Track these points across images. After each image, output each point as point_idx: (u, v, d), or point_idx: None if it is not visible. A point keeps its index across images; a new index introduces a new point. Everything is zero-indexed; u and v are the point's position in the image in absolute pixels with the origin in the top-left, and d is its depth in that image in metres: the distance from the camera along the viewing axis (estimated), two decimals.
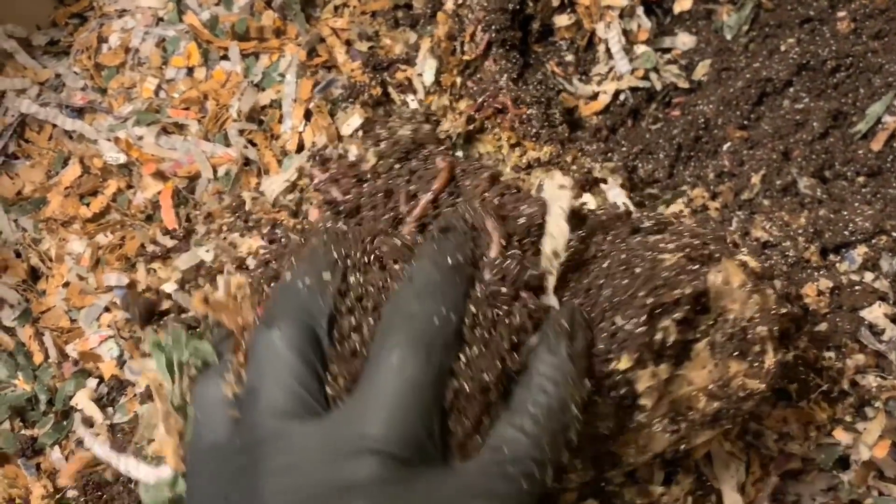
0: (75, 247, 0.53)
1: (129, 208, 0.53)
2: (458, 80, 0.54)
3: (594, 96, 0.59)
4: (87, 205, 0.54)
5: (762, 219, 0.52)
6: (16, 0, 0.60)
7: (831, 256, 0.50)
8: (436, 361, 0.30)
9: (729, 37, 0.61)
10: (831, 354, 0.46)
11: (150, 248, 0.52)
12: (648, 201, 0.54)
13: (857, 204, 0.53)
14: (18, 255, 0.54)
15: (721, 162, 0.56)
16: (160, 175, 0.53)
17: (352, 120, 0.53)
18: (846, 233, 0.49)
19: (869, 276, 0.48)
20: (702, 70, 0.60)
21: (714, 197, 0.55)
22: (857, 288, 0.47)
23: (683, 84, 0.60)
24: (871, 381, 0.45)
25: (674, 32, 0.62)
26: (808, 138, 0.56)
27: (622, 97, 0.59)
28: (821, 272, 0.49)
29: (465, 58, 0.54)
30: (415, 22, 0.58)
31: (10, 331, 0.53)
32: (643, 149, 0.58)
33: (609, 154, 0.58)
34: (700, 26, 0.62)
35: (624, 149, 0.58)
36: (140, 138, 0.55)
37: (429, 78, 0.53)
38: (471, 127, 0.53)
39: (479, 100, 0.54)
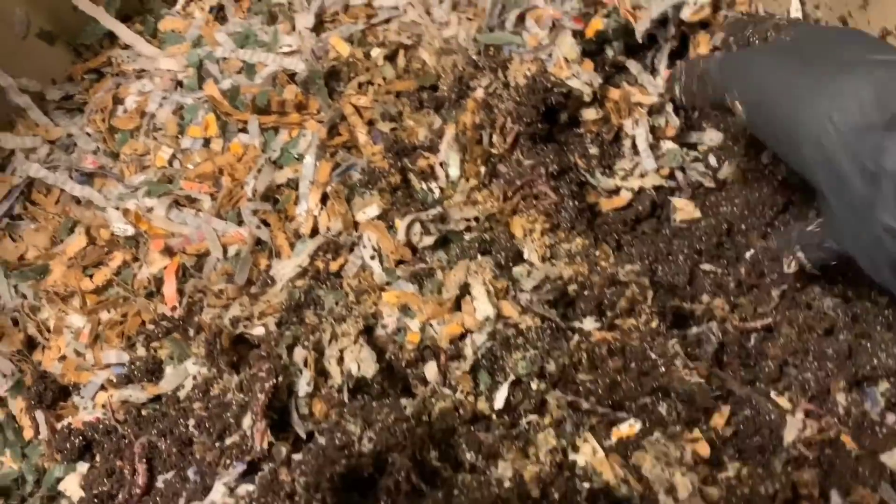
0: (75, 320, 0.51)
1: (132, 283, 0.52)
2: (483, 168, 0.53)
3: (616, 191, 0.58)
4: (90, 276, 0.52)
5: (781, 342, 0.50)
6: (33, 52, 0.59)
7: (853, 393, 0.48)
8: None
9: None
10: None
11: (150, 326, 0.50)
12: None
13: (879, 328, 0.51)
14: (16, 322, 0.53)
15: (741, 271, 0.55)
16: (167, 250, 0.52)
17: (369, 209, 0.52)
18: (869, 367, 0.48)
19: (891, 418, 0.46)
20: (728, 170, 0.59)
21: (734, 309, 0.54)
22: (879, 429, 0.46)
23: (709, 183, 0.58)
24: None
25: (701, 128, 0.60)
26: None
27: (645, 194, 0.57)
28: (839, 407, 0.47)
29: (494, 151, 0.53)
30: (439, 105, 0.57)
31: (1, 401, 0.51)
32: (664, 251, 0.56)
33: (628, 249, 0.57)
34: (729, 123, 0.61)
35: (644, 249, 0.56)
36: (150, 210, 0.53)
37: (454, 172, 0.52)
38: (505, 205, 0.52)
39: (519, 182, 0.52)
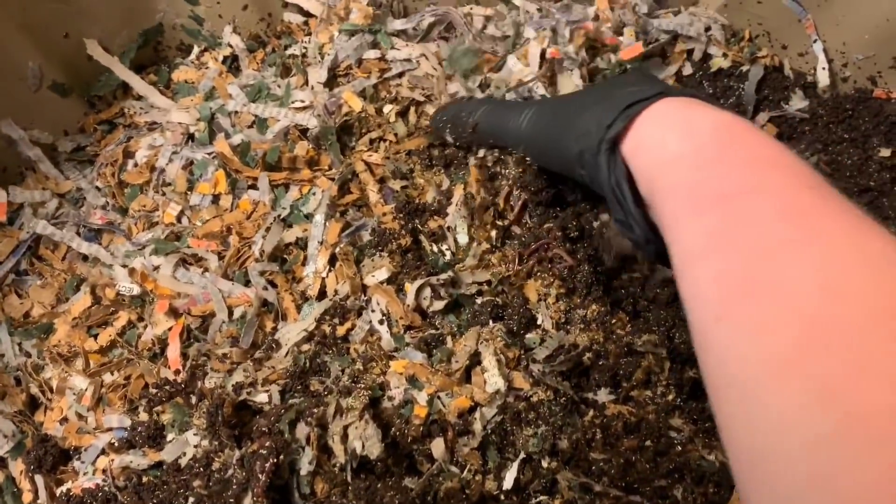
0: (77, 382, 0.50)
1: (136, 344, 0.51)
2: (494, 232, 0.52)
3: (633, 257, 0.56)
4: (95, 336, 0.51)
5: None
6: (45, 104, 0.58)
7: None
8: None
9: None
10: None
11: (153, 390, 0.49)
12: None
13: None
14: (18, 381, 0.52)
15: None
16: (172, 311, 0.51)
17: (378, 272, 0.50)
18: None
19: None
20: None
21: None
22: None
23: None
24: None
25: None
26: None
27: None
28: None
29: (501, 223, 0.51)
30: (449, 162, 0.55)
31: (1, 462, 0.50)
32: (682, 317, 0.54)
33: (645, 315, 0.55)
34: None
35: (662, 314, 0.54)
36: (156, 268, 0.52)
37: (462, 238, 0.51)
38: (521, 268, 0.50)
39: (534, 245, 0.51)
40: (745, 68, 0.59)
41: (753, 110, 0.59)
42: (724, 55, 0.59)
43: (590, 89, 0.50)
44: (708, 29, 0.59)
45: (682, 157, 0.37)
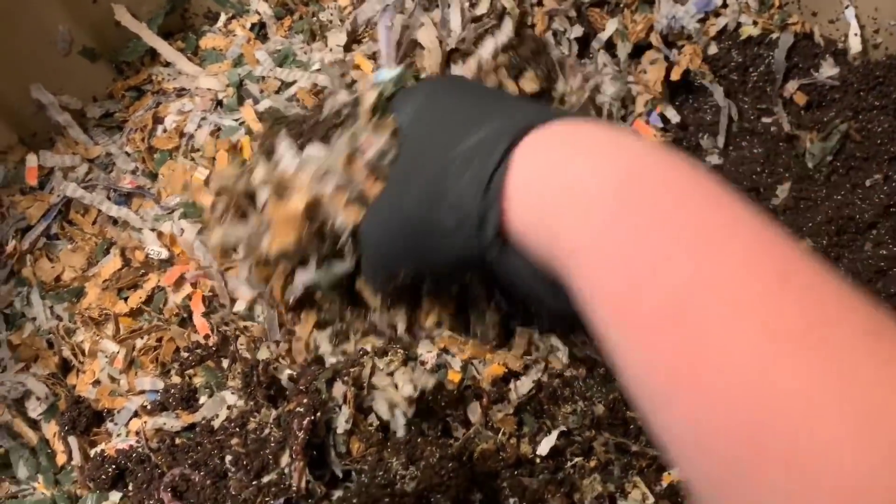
0: (109, 345, 0.50)
1: (163, 308, 0.51)
2: None
3: None
4: (125, 299, 0.52)
5: None
6: (75, 69, 0.58)
7: None
8: None
9: (811, 165, 0.57)
10: None
11: (185, 354, 0.49)
12: None
13: None
14: (51, 344, 0.52)
15: None
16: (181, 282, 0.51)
17: None
18: None
19: None
20: (780, 196, 0.57)
21: None
22: None
23: None
24: None
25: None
26: (890, 289, 0.52)
27: None
28: None
29: None
30: None
31: (34, 424, 0.50)
32: None
33: None
34: (780, 149, 0.59)
35: None
36: (183, 232, 0.52)
37: None
38: None
39: None
40: (774, 36, 0.59)
41: (783, 78, 0.59)
42: (755, 23, 0.59)
43: (410, 152, 0.40)
44: None
45: (582, 250, 0.30)
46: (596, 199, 0.30)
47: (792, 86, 0.59)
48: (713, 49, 0.59)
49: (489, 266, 0.36)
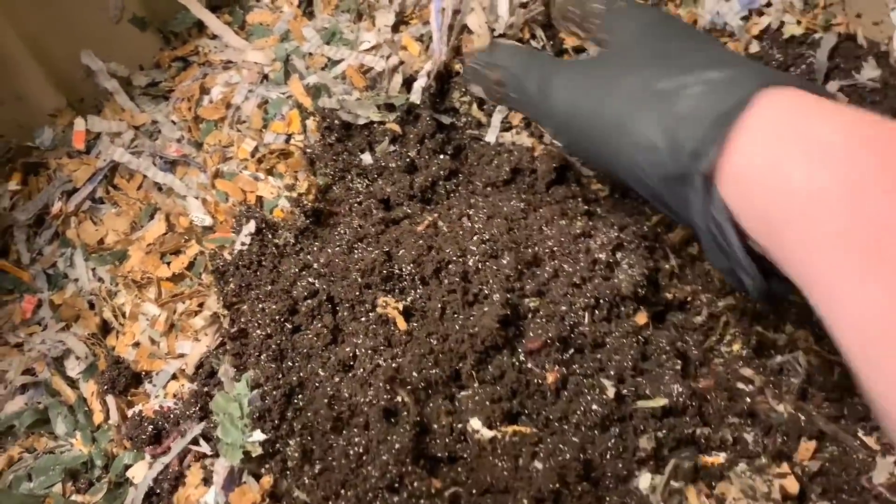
0: (150, 308, 0.51)
1: (203, 274, 0.52)
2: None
3: None
4: (168, 264, 0.52)
5: None
6: (124, 37, 0.59)
7: None
8: None
9: None
10: None
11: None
12: None
13: None
14: (92, 305, 0.53)
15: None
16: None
17: None
18: None
19: None
20: None
21: (818, 340, 0.52)
22: None
23: None
24: None
25: None
26: None
27: None
28: None
29: None
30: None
31: (73, 383, 0.51)
32: None
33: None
34: None
35: None
36: (227, 199, 0.53)
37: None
38: None
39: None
40: (817, 36, 0.59)
41: (824, 78, 0.59)
42: (798, 22, 0.59)
43: (639, 60, 0.38)
44: None
45: (820, 194, 0.28)
46: (838, 147, 0.28)
47: (833, 86, 0.59)
48: (755, 47, 0.59)
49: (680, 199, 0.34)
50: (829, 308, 0.28)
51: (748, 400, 0.46)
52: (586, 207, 0.50)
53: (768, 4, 0.60)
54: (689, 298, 0.51)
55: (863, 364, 0.27)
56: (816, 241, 0.28)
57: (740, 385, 0.47)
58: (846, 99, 0.58)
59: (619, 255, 0.49)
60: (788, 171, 0.29)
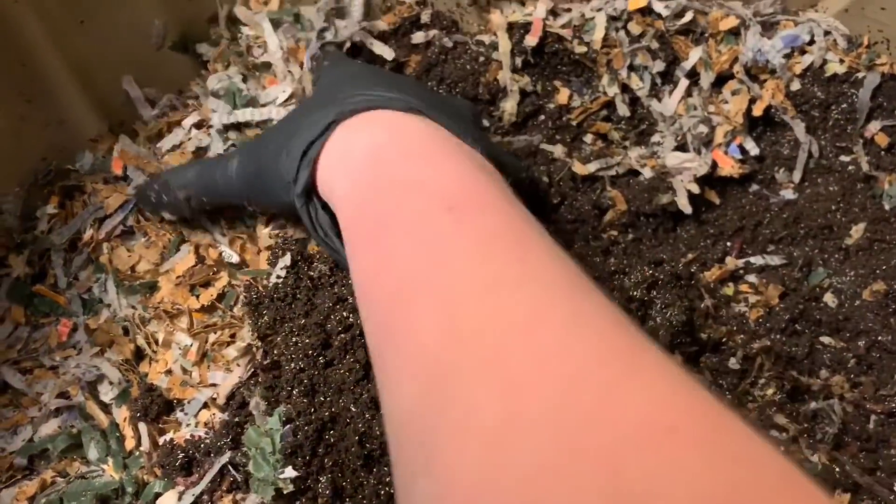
0: (182, 337, 0.51)
1: (234, 306, 0.52)
2: None
3: None
4: (197, 296, 0.52)
5: None
6: (164, 63, 0.59)
7: None
8: None
9: (888, 207, 0.57)
10: None
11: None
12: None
13: None
14: (126, 331, 0.53)
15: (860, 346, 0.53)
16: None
17: None
18: None
19: None
20: (853, 236, 0.57)
21: (854, 387, 0.51)
22: None
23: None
24: None
25: None
26: None
27: None
28: None
29: None
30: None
31: (106, 408, 0.52)
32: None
33: None
34: (857, 188, 0.59)
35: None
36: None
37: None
38: None
39: None
40: (860, 75, 0.58)
41: (866, 118, 0.58)
42: (841, 61, 0.59)
43: (283, 121, 0.50)
44: (828, 33, 0.59)
45: (346, 196, 0.39)
46: (357, 158, 0.39)
47: (874, 126, 0.58)
48: (796, 85, 0.59)
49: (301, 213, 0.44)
50: (352, 268, 0.37)
51: (782, 449, 0.45)
52: (621, 245, 0.50)
53: (811, 42, 0.59)
54: (723, 339, 0.51)
55: (360, 307, 0.36)
56: (346, 227, 0.39)
57: (774, 433, 0.47)
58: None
59: (653, 293, 0.48)
60: (335, 182, 0.40)
